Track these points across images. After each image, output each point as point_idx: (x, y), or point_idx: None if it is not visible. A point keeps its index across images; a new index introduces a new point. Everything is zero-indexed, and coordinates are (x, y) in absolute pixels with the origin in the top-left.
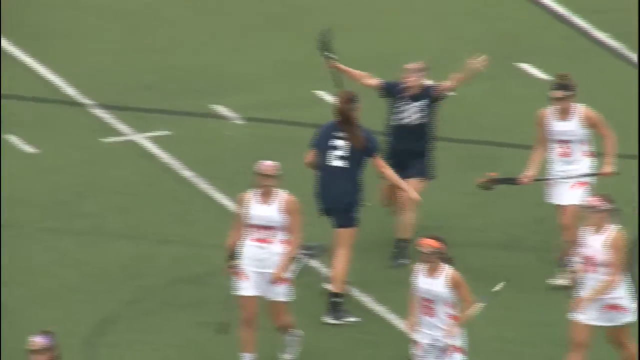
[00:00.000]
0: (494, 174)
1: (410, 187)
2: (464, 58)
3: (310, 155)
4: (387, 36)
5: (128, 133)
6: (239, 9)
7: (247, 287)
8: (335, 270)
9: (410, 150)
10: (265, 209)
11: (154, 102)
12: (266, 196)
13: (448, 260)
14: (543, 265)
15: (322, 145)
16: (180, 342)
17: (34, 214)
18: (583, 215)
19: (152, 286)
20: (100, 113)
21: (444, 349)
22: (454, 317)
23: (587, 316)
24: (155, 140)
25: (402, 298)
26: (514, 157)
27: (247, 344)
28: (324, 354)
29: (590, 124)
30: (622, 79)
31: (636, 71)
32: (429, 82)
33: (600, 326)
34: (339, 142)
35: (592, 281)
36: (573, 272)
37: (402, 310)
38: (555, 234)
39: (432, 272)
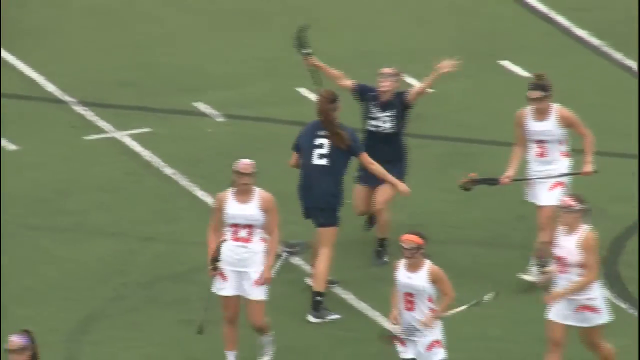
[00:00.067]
0: (474, 175)
1: (399, 181)
2: (445, 56)
3: (294, 159)
4: (367, 34)
5: (109, 130)
6: (219, 6)
7: (226, 287)
8: (317, 269)
9: (385, 156)
10: (244, 208)
11: (135, 99)
12: (244, 194)
13: (427, 257)
14: (525, 263)
15: (306, 144)
16: (163, 339)
17: (16, 212)
18: (558, 215)
19: (134, 283)
20: (82, 110)
21: (426, 344)
22: (434, 311)
23: (558, 314)
24: (137, 137)
25: (384, 295)
26: (495, 155)
27: (230, 341)
28: (306, 351)
29: (567, 123)
30: (603, 76)
31: (617, 69)
32: (400, 88)
33: (575, 327)
34: (323, 141)
35: (564, 281)
36: (545, 272)
37: (384, 307)
38: (537, 232)
39: (414, 267)
